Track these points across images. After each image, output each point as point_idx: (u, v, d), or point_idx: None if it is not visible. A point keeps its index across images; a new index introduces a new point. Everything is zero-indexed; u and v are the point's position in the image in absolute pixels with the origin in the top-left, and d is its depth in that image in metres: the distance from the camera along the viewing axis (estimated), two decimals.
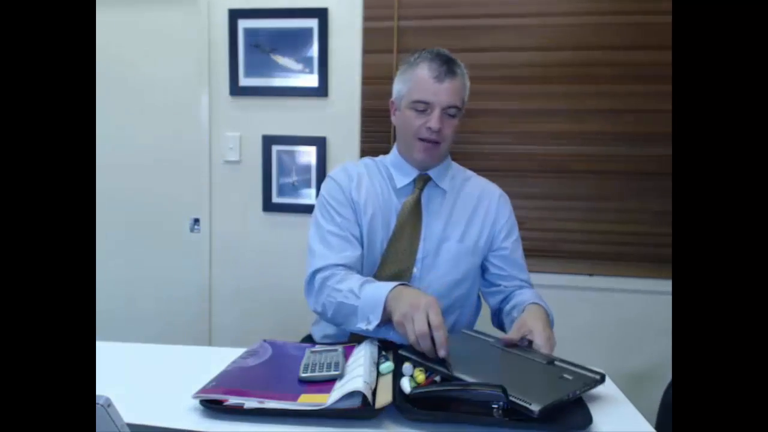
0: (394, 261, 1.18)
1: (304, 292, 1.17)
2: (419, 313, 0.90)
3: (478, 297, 1.32)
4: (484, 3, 1.91)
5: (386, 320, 1.00)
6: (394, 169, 1.26)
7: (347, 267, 1.14)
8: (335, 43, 2.00)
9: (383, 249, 1.20)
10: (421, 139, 1.17)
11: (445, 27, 1.94)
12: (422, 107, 1.15)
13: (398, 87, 1.22)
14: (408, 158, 1.24)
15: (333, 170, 1.28)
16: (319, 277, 1.12)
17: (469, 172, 1.34)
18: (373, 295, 1.01)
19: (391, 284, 1.02)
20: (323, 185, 1.27)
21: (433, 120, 1.14)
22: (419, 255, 1.19)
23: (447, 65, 1.15)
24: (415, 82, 1.16)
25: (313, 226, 1.22)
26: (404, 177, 1.24)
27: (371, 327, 1.01)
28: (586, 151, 1.91)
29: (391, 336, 1.04)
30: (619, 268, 1.92)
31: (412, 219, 1.20)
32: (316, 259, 1.15)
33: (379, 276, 1.18)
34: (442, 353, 0.87)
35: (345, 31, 1.99)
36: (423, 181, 1.23)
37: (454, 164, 1.32)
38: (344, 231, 1.18)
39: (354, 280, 1.07)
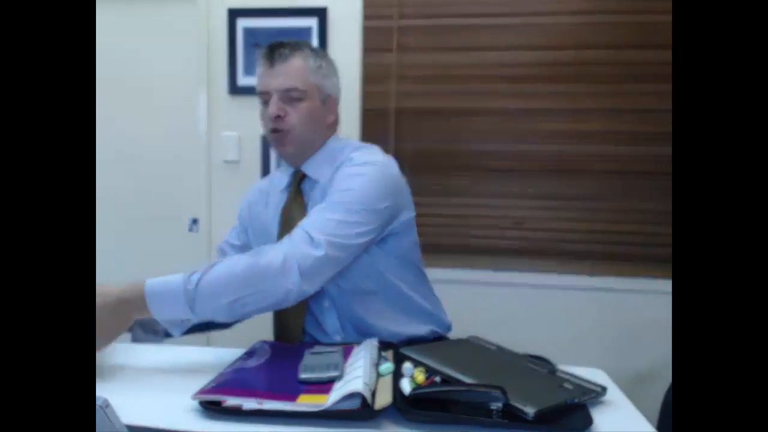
0: None
1: None
2: None
3: (414, 268, 1.19)
4: (485, 3, 1.90)
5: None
6: (279, 170, 1.23)
7: None
8: (335, 43, 1.99)
9: None
10: (271, 132, 1.11)
11: (445, 26, 1.93)
12: (265, 98, 1.11)
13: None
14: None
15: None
16: None
17: (355, 146, 1.16)
18: None
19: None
20: None
21: (271, 106, 1.08)
22: None
23: (276, 50, 1.10)
24: (258, 77, 1.13)
25: None
26: (284, 177, 1.20)
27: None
28: (586, 151, 1.91)
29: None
30: (619, 268, 1.92)
31: (297, 217, 1.09)
32: None
33: None
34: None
35: (345, 30, 1.99)
36: (298, 177, 1.16)
37: (342, 148, 1.15)
38: (224, 244, 1.28)
39: None
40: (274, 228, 1.17)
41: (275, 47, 1.10)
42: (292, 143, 1.11)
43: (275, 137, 1.11)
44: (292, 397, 0.80)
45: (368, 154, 1.12)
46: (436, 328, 1.19)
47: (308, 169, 1.15)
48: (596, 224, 1.92)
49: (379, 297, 1.13)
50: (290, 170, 1.18)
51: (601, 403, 0.86)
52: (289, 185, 1.18)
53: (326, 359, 0.91)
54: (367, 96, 2.00)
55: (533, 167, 1.93)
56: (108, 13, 2.12)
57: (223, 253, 1.27)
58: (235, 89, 2.05)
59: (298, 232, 0.98)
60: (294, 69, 1.09)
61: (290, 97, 1.09)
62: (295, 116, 1.09)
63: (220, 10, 2.03)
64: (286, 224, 1.12)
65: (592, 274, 1.92)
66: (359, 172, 1.06)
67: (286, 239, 0.99)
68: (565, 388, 0.84)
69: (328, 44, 1.99)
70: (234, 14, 2.02)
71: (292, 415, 0.77)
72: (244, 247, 1.25)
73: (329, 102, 1.15)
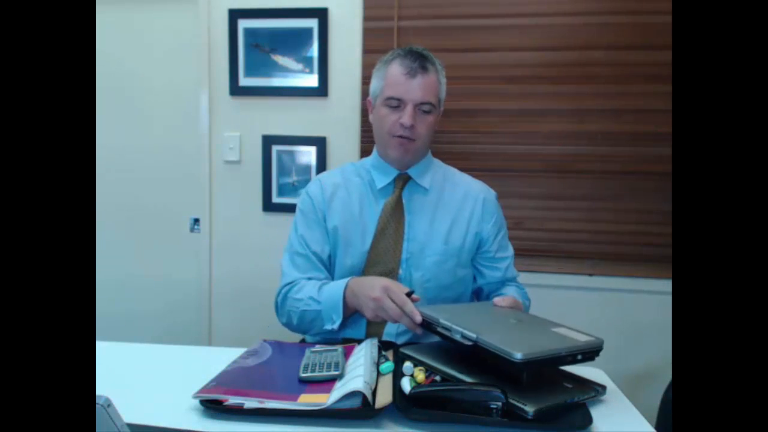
0: (378, 262, 1.17)
1: (274, 308, 1.22)
2: (385, 301, 0.98)
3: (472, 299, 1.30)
4: (484, 3, 1.90)
5: (348, 315, 1.09)
6: (374, 170, 1.24)
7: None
8: (335, 43, 2.00)
9: (366, 253, 1.18)
10: (396, 137, 1.16)
11: (445, 27, 1.93)
12: (395, 103, 1.15)
13: (373, 85, 1.22)
14: (385, 157, 1.22)
15: (309, 183, 1.29)
16: (283, 291, 1.18)
17: (452, 169, 1.31)
18: (330, 296, 1.09)
19: (344, 282, 1.09)
20: (299, 199, 1.28)
21: (406, 116, 1.13)
22: (403, 255, 1.17)
23: (419, 61, 1.14)
24: (388, 78, 1.16)
25: (288, 241, 1.25)
26: (384, 177, 1.22)
27: (336, 326, 1.08)
28: (586, 151, 1.91)
29: (347, 334, 1.14)
30: (619, 268, 1.92)
31: (394, 219, 1.18)
32: (284, 278, 1.20)
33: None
34: (417, 319, 0.94)
35: (345, 31, 1.99)
36: (403, 180, 1.22)
37: (436, 161, 1.30)
38: (309, 252, 1.20)
39: (311, 286, 1.13)
40: (371, 218, 1.20)
41: (416, 57, 1.15)
42: (415, 150, 1.18)
43: (400, 142, 1.16)
44: (293, 396, 0.80)
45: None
46: None
47: (415, 173, 1.23)
48: (596, 224, 1.92)
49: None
50: (392, 172, 1.23)
51: (600, 402, 0.87)
52: (392, 185, 1.23)
53: (327, 358, 0.91)
54: (367, 96, 2.00)
55: (533, 167, 1.93)
56: (108, 14, 2.12)
57: (310, 262, 1.20)
58: (236, 90, 2.05)
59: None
60: (431, 84, 1.16)
61: (422, 109, 1.15)
62: (422, 127, 1.16)
63: (220, 10, 2.03)
64: (386, 224, 1.19)
65: (592, 274, 1.92)
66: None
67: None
68: (565, 387, 0.85)
69: (329, 45, 1.99)
70: (235, 15, 2.02)
71: (293, 414, 0.78)
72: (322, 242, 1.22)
73: (440, 115, 1.24)
